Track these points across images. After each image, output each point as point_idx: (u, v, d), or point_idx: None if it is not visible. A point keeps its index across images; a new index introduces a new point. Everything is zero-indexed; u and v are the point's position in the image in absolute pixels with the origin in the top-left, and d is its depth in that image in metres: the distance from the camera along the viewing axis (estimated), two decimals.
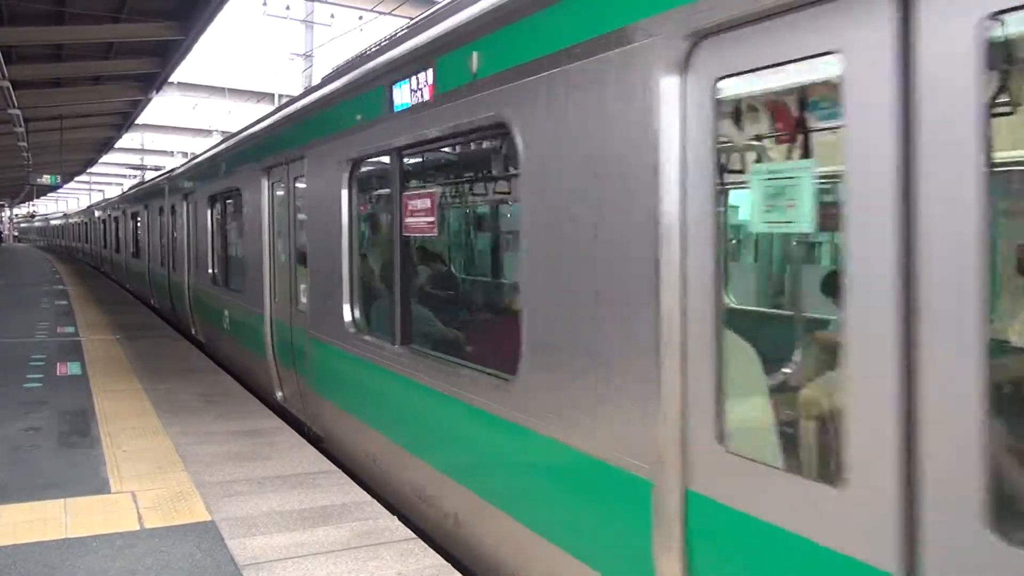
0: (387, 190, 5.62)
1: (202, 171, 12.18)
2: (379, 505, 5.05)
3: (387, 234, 5.67)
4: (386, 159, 5.46)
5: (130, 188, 27.47)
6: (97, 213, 35.67)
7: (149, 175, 39.88)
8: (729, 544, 2.57)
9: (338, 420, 6.36)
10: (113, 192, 52.15)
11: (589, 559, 3.23)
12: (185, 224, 13.12)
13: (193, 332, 12.96)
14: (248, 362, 9.26)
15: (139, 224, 20.59)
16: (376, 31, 23.08)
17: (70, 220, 56.93)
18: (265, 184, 8.17)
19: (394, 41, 5.31)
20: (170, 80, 20.55)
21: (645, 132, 2.83)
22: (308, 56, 25.76)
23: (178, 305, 14.28)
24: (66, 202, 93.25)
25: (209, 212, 11.38)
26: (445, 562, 4.18)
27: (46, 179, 35.07)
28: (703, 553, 2.68)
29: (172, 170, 16.32)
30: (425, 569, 4.09)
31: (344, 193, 5.94)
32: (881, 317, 2.09)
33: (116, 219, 26.99)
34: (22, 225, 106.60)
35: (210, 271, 11.31)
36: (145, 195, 19.71)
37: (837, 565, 2.20)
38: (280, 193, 7.91)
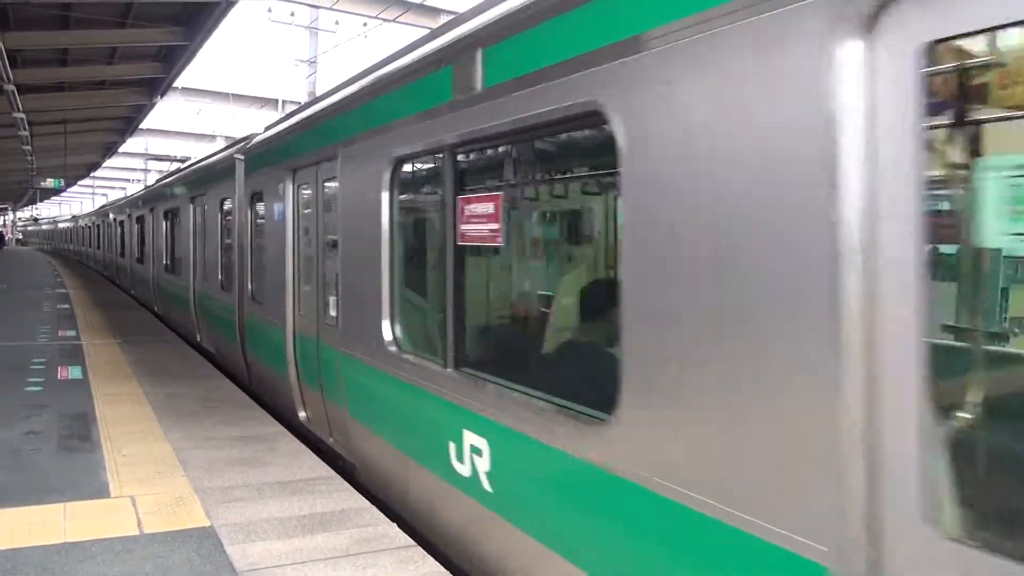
0: None
1: (346, 122, 6.23)
2: (378, 512, 5.04)
3: None
4: None
5: (164, 176, 19.85)
6: (112, 215, 29.29)
7: (166, 168, 32.47)
8: None
9: None
10: (116, 195, 52.14)
11: None
12: (288, 227, 7.79)
13: (306, 420, 7.57)
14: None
15: (178, 226, 14.59)
16: (380, 38, 23.11)
17: (80, 223, 49.88)
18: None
19: None
20: (174, 85, 20.63)
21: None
22: (312, 62, 25.82)
23: (273, 371, 8.46)
24: (68, 206, 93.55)
25: (387, 198, 5.37)
26: (444, 569, 4.18)
27: (49, 183, 35.19)
28: None
29: (249, 136, 10.30)
30: None
31: None
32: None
33: (140, 219, 20.56)
34: (28, 228, 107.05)
35: (384, 329, 5.36)
36: (193, 183, 13.38)
37: None
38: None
